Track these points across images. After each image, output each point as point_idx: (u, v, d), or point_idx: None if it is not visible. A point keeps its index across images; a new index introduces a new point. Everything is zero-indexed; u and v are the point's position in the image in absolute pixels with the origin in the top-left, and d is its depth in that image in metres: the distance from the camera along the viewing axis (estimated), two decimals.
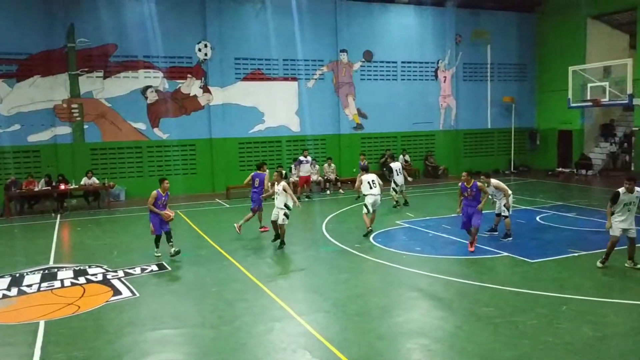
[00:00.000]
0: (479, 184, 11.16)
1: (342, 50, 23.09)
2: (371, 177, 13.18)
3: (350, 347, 6.68)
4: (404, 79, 24.53)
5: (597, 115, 25.18)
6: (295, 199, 12.14)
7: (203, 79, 21.10)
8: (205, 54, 20.97)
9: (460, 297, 8.53)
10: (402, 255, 11.06)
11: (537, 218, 14.62)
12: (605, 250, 9.76)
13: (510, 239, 12.02)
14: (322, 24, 22.61)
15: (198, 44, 20.89)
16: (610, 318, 7.44)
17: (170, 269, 10.51)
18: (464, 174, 11.42)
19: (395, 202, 16.67)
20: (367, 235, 12.75)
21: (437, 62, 25.09)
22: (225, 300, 8.65)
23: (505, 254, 10.95)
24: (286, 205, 11.82)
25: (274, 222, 12.03)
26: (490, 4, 25.54)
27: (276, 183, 12.05)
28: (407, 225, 14.13)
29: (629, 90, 15.03)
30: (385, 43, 23.99)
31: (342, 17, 22.89)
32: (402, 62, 24.38)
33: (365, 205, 13.01)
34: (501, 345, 6.62)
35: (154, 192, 11.38)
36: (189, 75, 20.93)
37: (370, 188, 12.99)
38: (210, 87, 21.17)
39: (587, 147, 25.56)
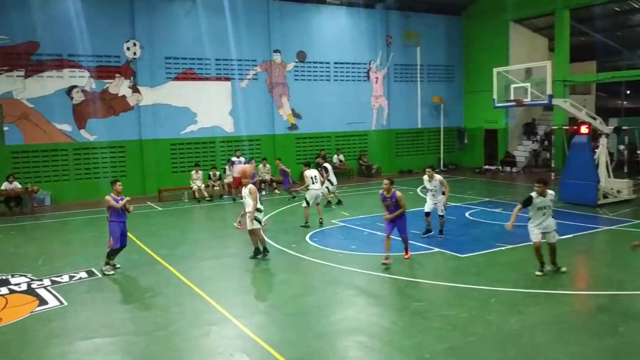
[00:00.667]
0: (398, 194, 10.24)
1: (276, 51, 23.05)
2: (314, 172, 14.15)
3: (288, 347, 6.69)
4: (337, 80, 24.77)
5: (520, 114, 26.43)
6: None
7: (132, 78, 20.45)
8: (134, 53, 20.34)
9: (395, 293, 8.74)
10: (338, 254, 11.18)
11: (467, 214, 15.16)
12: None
13: (442, 236, 12.29)
14: (254, 23, 22.46)
15: (126, 42, 20.22)
16: (535, 308, 7.83)
17: (100, 275, 10.13)
18: (385, 181, 10.36)
19: (328, 202, 16.84)
20: (305, 226, 13.64)
21: (369, 63, 25.50)
22: (159, 305, 8.44)
23: (437, 249, 11.30)
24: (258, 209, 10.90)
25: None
26: (420, 7, 26.22)
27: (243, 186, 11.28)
28: (343, 224, 14.28)
29: (549, 91, 15.81)
30: (318, 44, 24.16)
31: (274, 17, 22.84)
32: (335, 63, 24.62)
33: (306, 199, 13.81)
34: (434, 338, 6.83)
35: (107, 197, 10.22)
36: (117, 75, 20.22)
37: (313, 183, 13.90)
38: (139, 87, 20.54)
39: (511, 145, 26.78)
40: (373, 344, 6.80)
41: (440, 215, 12.30)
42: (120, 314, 8.16)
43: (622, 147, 22.51)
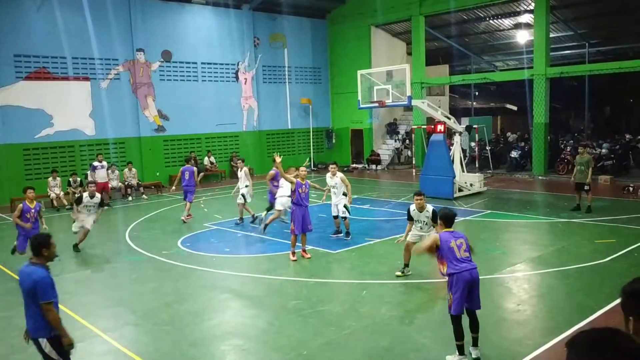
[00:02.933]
0: (310, 183, 10.88)
1: (139, 50, 22.05)
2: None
3: (163, 358, 6.46)
4: (205, 80, 24.30)
5: (383, 115, 27.82)
6: None
7: None
8: None
9: (271, 294, 8.78)
10: (211, 258, 10.99)
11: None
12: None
13: (348, 238, 12.01)
14: (115, 20, 21.26)
15: None
16: (403, 298, 8.31)
17: None
18: (302, 169, 10.80)
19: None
20: (254, 221, 14.15)
21: (238, 64, 25.34)
22: (15, 325, 7.71)
23: (310, 247, 11.51)
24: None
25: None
26: (286, 9, 26.56)
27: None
28: (215, 227, 14.07)
29: (408, 93, 16.80)
30: (185, 43, 23.51)
31: (137, 14, 21.83)
32: (203, 63, 24.13)
33: (243, 195, 14.16)
34: (310, 335, 6.98)
35: (20, 204, 10.46)
36: None
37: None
38: None
39: (376, 144, 28.12)
40: (250, 347, 6.78)
41: (342, 217, 12.00)
42: None
43: (473, 144, 24.57)
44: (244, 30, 25.37)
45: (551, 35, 22.69)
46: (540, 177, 21.39)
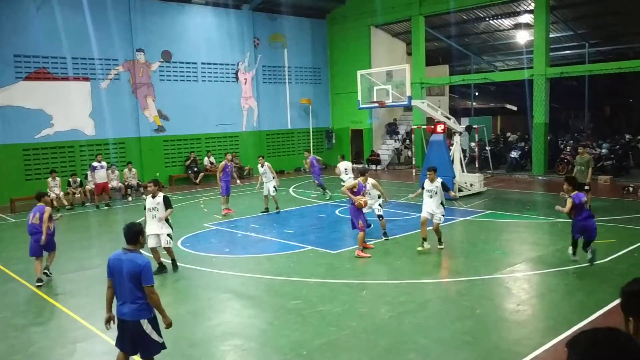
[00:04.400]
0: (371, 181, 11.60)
1: (139, 50, 22.06)
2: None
3: (163, 358, 6.45)
4: (205, 80, 24.30)
5: (382, 115, 27.84)
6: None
7: None
8: None
9: (270, 294, 8.78)
10: (211, 258, 11.00)
11: (337, 211, 15.65)
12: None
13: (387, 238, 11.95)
14: (115, 21, 21.26)
15: None
16: (402, 298, 8.30)
17: None
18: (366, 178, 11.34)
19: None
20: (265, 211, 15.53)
21: (238, 64, 25.35)
22: (16, 326, 7.72)
23: (310, 247, 11.54)
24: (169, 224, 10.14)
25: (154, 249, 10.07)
26: (286, 10, 26.56)
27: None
28: (215, 227, 14.07)
29: (408, 93, 16.79)
30: (185, 43, 23.51)
31: (137, 15, 21.84)
32: (203, 63, 24.14)
33: (275, 188, 15.68)
34: (310, 335, 6.97)
35: (48, 207, 10.00)
36: None
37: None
38: None
39: (376, 145, 28.12)
40: (250, 347, 6.78)
41: (378, 216, 12.01)
42: None
43: (473, 144, 24.55)
44: (244, 30, 25.37)
45: (551, 35, 22.68)
46: (540, 177, 21.39)
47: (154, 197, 9.92)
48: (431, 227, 10.81)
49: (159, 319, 5.55)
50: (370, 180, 11.75)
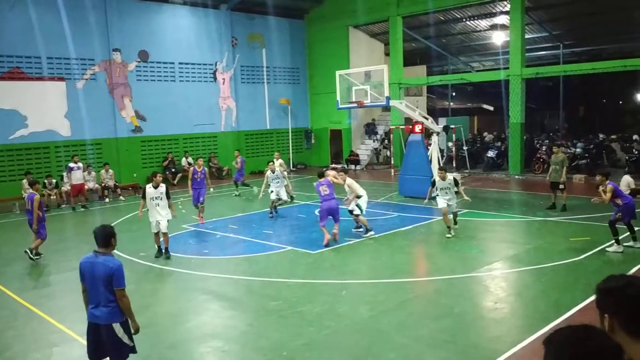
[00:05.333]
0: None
1: (116, 50, 21.78)
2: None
3: None
4: (182, 80, 24.10)
5: (361, 115, 27.93)
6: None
7: None
8: None
9: (250, 295, 8.75)
10: (190, 260, 10.92)
11: (316, 212, 15.63)
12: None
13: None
14: (91, 20, 20.93)
15: None
16: (382, 297, 8.34)
17: None
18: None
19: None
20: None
21: (215, 64, 25.20)
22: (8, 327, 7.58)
23: (289, 248, 11.52)
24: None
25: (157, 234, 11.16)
26: (264, 10, 26.48)
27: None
28: (194, 229, 13.97)
29: (386, 93, 16.87)
30: (162, 43, 23.29)
31: (113, 14, 21.55)
32: (180, 63, 23.93)
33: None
34: (290, 335, 6.97)
35: (37, 196, 11.11)
36: None
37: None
38: None
39: (355, 145, 28.20)
40: (230, 348, 6.75)
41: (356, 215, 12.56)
42: None
43: (450, 144, 24.79)
44: (222, 30, 25.23)
45: (526, 36, 23.01)
46: (516, 177, 21.68)
47: (156, 187, 10.80)
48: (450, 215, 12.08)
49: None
50: (348, 181, 12.51)
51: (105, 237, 5.32)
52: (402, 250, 11.27)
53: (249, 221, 14.73)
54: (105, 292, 5.17)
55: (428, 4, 23.14)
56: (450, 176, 12.16)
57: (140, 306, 8.30)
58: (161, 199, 10.79)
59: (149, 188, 10.86)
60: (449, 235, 11.80)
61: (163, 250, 11.04)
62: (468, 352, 6.35)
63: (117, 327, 5.25)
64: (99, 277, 5.15)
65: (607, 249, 10.36)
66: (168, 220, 10.90)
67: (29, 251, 11.00)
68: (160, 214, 10.80)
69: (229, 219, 15.11)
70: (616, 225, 10.38)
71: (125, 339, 5.32)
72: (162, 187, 10.84)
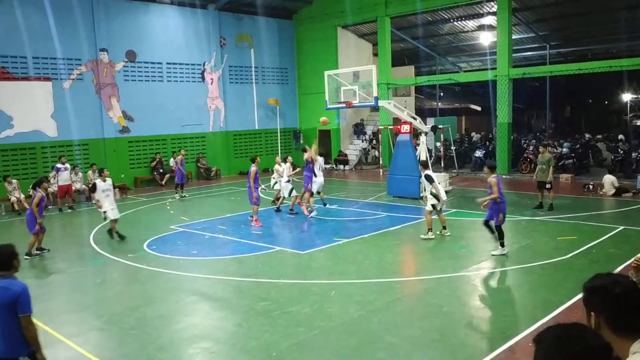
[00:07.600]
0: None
1: (103, 50, 21.62)
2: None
3: None
4: (170, 81, 23.98)
5: (350, 115, 27.97)
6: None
7: None
8: None
9: (239, 295, 8.73)
10: (178, 261, 10.87)
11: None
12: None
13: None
14: (78, 20, 20.74)
15: None
16: (371, 297, 8.35)
17: None
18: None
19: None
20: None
21: (204, 64, 25.10)
22: None
23: (279, 248, 11.51)
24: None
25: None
26: (253, 10, 26.42)
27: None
28: (182, 230, 13.90)
29: (375, 93, 16.91)
30: (149, 43, 23.15)
31: (100, 14, 21.39)
32: (168, 63, 23.81)
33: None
34: (280, 336, 6.96)
35: (39, 193, 11.42)
36: None
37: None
38: None
39: (344, 145, 28.24)
40: (219, 349, 6.73)
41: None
42: None
43: (438, 144, 24.91)
44: (210, 30, 25.14)
45: (513, 37, 23.17)
46: (503, 176, 21.79)
47: (104, 181, 12.75)
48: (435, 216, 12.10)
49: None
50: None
51: (6, 259, 4.62)
52: (391, 250, 11.30)
53: (238, 222, 14.69)
54: (8, 321, 4.50)
55: (416, 5, 23.22)
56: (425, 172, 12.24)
57: (128, 308, 8.28)
58: (111, 190, 12.90)
59: (100, 182, 12.78)
60: (425, 237, 11.73)
61: (115, 234, 12.82)
62: (457, 351, 6.38)
63: None
64: (1, 303, 4.51)
65: (492, 252, 10.34)
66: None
67: (28, 256, 11.20)
68: (113, 203, 12.85)
69: (217, 219, 15.06)
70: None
71: None
72: (110, 180, 12.97)
